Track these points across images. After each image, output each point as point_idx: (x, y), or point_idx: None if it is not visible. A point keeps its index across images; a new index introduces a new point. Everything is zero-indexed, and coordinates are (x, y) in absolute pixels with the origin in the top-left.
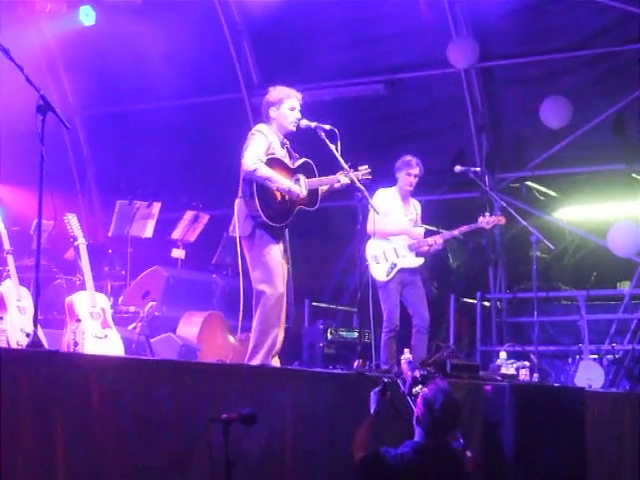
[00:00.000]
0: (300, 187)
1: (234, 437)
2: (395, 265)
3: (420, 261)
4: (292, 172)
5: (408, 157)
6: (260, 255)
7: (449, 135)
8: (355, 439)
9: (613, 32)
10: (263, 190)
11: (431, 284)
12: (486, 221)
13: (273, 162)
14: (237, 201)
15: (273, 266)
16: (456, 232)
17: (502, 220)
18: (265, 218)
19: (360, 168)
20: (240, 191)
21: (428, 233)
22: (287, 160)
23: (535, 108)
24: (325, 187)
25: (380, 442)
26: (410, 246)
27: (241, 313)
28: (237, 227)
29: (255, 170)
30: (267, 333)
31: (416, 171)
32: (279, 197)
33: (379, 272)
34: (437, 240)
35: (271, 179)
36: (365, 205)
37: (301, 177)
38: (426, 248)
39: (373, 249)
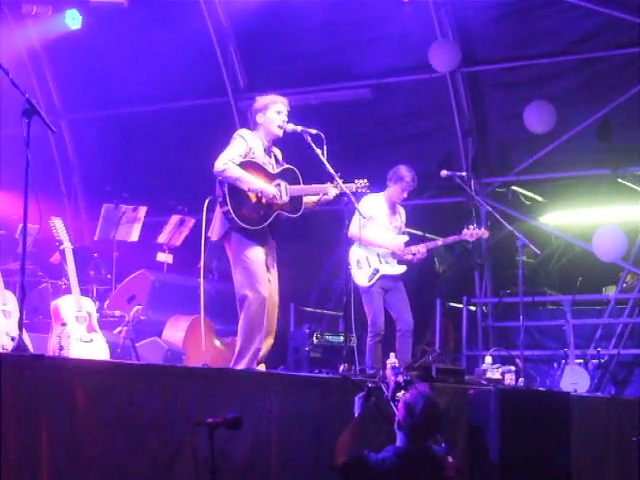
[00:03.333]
0: (281, 191)
1: (219, 441)
2: (377, 271)
3: (402, 269)
4: (272, 177)
5: (404, 171)
6: (239, 259)
7: (435, 140)
8: (338, 443)
9: (599, 37)
10: (236, 192)
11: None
12: (470, 234)
13: (248, 165)
14: (215, 205)
15: (253, 269)
16: (440, 242)
17: (485, 234)
18: (238, 220)
19: (357, 181)
20: (215, 194)
21: (414, 238)
22: (269, 166)
23: (521, 113)
24: (313, 198)
25: (365, 446)
26: (393, 254)
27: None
28: (214, 230)
29: (224, 170)
30: (251, 337)
31: (410, 187)
32: (254, 199)
33: (361, 277)
34: (420, 249)
35: (241, 179)
36: (351, 210)
37: (282, 183)
38: (409, 257)
39: (356, 254)
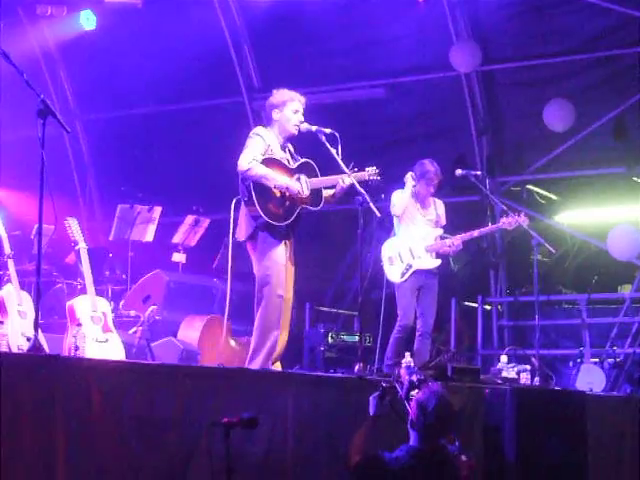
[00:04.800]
0: (301, 185)
1: (235, 441)
2: (410, 266)
3: (437, 262)
4: (292, 172)
5: (427, 166)
6: (262, 257)
7: (450, 139)
8: (352, 443)
9: (614, 35)
10: (261, 190)
11: None
12: (508, 222)
13: (270, 162)
14: (240, 205)
15: (275, 268)
16: (476, 233)
17: (526, 220)
18: (266, 218)
19: (368, 169)
20: (240, 195)
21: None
22: (286, 161)
23: (536, 111)
24: (330, 191)
25: (381, 446)
26: (427, 247)
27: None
28: (240, 231)
29: (249, 169)
30: (267, 335)
31: (435, 181)
32: (279, 196)
33: (393, 273)
34: (455, 242)
35: (267, 177)
36: (366, 209)
37: (302, 176)
38: (446, 249)
39: (389, 250)
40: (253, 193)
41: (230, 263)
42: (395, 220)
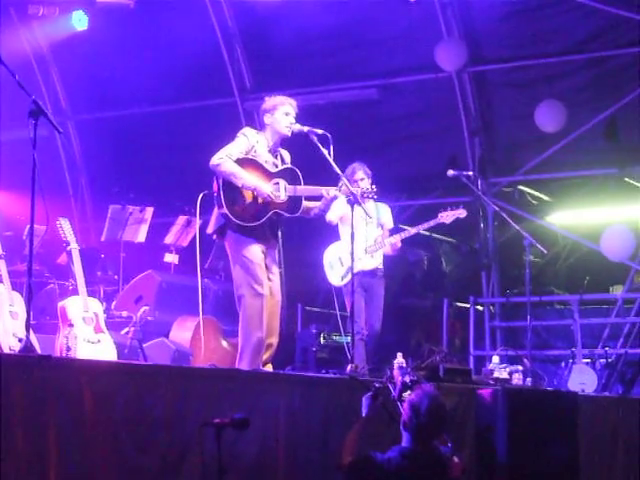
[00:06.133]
0: (279, 190)
1: (226, 442)
2: (350, 269)
3: (375, 263)
4: (271, 176)
5: (352, 168)
6: (236, 257)
7: (442, 139)
8: (345, 443)
9: (606, 36)
10: (230, 188)
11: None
12: (446, 215)
13: (246, 162)
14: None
15: (251, 268)
16: (414, 230)
17: (463, 213)
18: (231, 216)
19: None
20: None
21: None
22: (271, 165)
23: (528, 112)
24: (313, 204)
25: (373, 447)
26: (367, 248)
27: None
28: (210, 225)
29: (219, 165)
30: (249, 336)
31: (359, 183)
32: (249, 197)
33: (334, 277)
34: (392, 240)
35: (236, 175)
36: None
37: (281, 181)
38: (387, 249)
39: (329, 255)
40: (221, 191)
41: (199, 259)
42: (339, 225)
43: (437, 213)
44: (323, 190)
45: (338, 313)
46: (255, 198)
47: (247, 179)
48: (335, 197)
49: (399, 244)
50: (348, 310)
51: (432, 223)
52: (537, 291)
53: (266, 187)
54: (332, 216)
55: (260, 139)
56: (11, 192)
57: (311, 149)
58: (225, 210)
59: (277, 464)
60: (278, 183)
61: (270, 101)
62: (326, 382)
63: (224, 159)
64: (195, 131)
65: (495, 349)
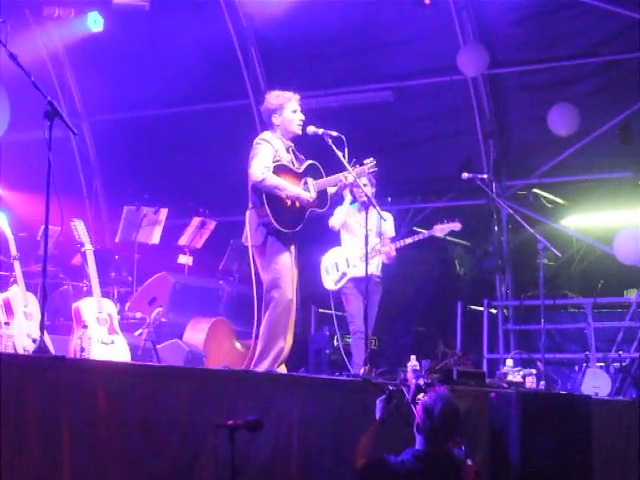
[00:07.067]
0: (309, 191)
1: (240, 443)
2: (345, 274)
3: (371, 269)
4: (299, 176)
5: None
6: (271, 262)
7: (456, 142)
8: (359, 446)
9: (620, 39)
10: (273, 198)
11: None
12: (440, 228)
13: (280, 169)
14: (248, 212)
15: (283, 272)
16: (409, 240)
17: (457, 226)
18: (277, 225)
19: (365, 162)
20: (250, 201)
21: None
22: (294, 165)
23: (542, 115)
24: (334, 188)
25: (387, 449)
26: (361, 257)
27: (255, 322)
28: (249, 237)
29: (263, 180)
30: (275, 339)
31: (361, 189)
32: (289, 203)
33: (328, 282)
34: (385, 249)
35: (279, 187)
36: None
37: (309, 180)
38: (383, 258)
39: (326, 261)
40: (265, 202)
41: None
42: (341, 231)
43: (432, 225)
44: (341, 176)
45: (334, 314)
46: (294, 204)
47: (289, 189)
48: (352, 183)
49: (393, 253)
50: (347, 313)
51: (426, 235)
52: (551, 294)
53: (306, 194)
54: (335, 222)
55: (277, 142)
56: (26, 193)
57: (324, 150)
58: (272, 220)
59: (290, 466)
60: (307, 182)
61: (273, 99)
62: (340, 384)
63: (267, 174)
64: (209, 133)
65: (509, 352)
